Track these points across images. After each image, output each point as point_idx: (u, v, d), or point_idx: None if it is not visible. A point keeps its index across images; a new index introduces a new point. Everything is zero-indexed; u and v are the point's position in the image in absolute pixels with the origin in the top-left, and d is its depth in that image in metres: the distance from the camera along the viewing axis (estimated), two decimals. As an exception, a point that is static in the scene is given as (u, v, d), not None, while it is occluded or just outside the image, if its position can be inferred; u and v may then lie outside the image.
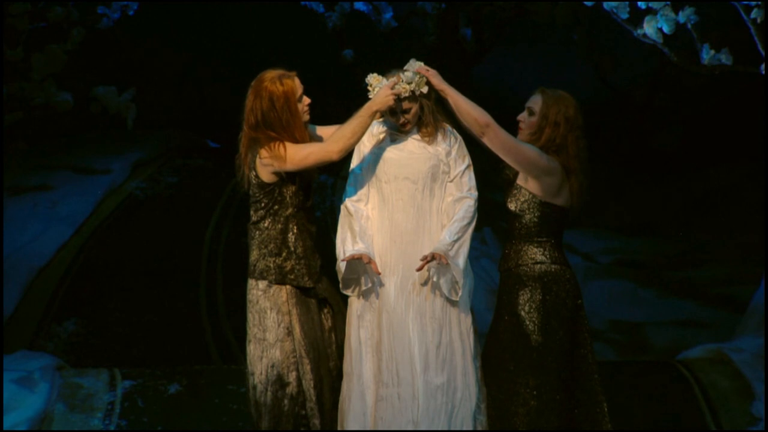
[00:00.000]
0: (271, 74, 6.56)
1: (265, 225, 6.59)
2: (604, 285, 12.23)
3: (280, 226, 6.58)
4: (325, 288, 6.66)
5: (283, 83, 6.53)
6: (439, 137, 6.66)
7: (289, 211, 6.58)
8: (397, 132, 6.67)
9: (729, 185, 14.56)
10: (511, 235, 6.70)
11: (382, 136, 6.68)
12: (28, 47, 9.98)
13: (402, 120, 6.60)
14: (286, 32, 15.65)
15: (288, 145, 6.49)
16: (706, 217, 14.25)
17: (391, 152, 6.62)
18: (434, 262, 6.45)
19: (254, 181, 6.57)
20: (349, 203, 6.64)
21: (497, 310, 6.68)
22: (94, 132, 13.81)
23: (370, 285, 6.53)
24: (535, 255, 6.61)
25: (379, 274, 6.51)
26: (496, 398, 6.58)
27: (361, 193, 6.65)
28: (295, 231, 6.59)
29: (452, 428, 6.44)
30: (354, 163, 6.66)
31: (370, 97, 6.56)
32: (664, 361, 9.79)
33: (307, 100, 6.61)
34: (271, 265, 6.56)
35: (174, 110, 14.80)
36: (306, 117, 6.62)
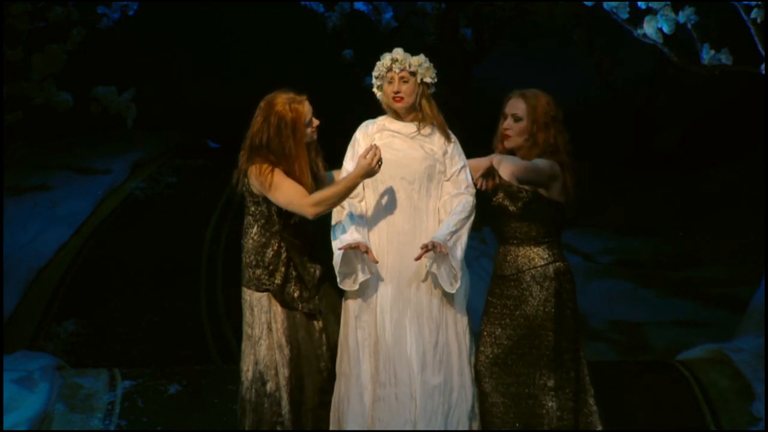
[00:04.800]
0: (281, 98, 6.49)
1: (252, 233, 6.60)
2: (604, 285, 12.21)
3: (263, 239, 6.58)
4: (318, 297, 6.66)
5: (292, 109, 6.47)
6: (435, 136, 6.65)
7: (275, 228, 6.57)
8: (391, 110, 6.64)
9: (729, 185, 14.55)
10: (512, 238, 6.67)
11: (377, 137, 6.66)
12: (28, 47, 9.97)
13: (396, 89, 6.57)
14: (286, 32, 15.64)
15: (276, 175, 6.43)
16: (706, 217, 14.23)
17: (386, 153, 6.58)
18: (432, 251, 6.43)
19: (245, 187, 6.59)
20: (345, 202, 6.62)
21: (499, 314, 6.65)
22: (94, 132, 13.80)
23: (368, 276, 6.52)
24: (544, 255, 6.60)
25: (377, 262, 6.47)
26: (496, 404, 6.56)
27: (357, 193, 6.63)
28: (275, 248, 6.56)
29: (449, 428, 6.44)
30: (349, 163, 6.64)
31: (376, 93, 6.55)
32: (664, 361, 9.78)
33: (315, 122, 6.58)
34: (251, 276, 6.59)
35: (174, 110, 14.78)
36: (313, 137, 6.60)
